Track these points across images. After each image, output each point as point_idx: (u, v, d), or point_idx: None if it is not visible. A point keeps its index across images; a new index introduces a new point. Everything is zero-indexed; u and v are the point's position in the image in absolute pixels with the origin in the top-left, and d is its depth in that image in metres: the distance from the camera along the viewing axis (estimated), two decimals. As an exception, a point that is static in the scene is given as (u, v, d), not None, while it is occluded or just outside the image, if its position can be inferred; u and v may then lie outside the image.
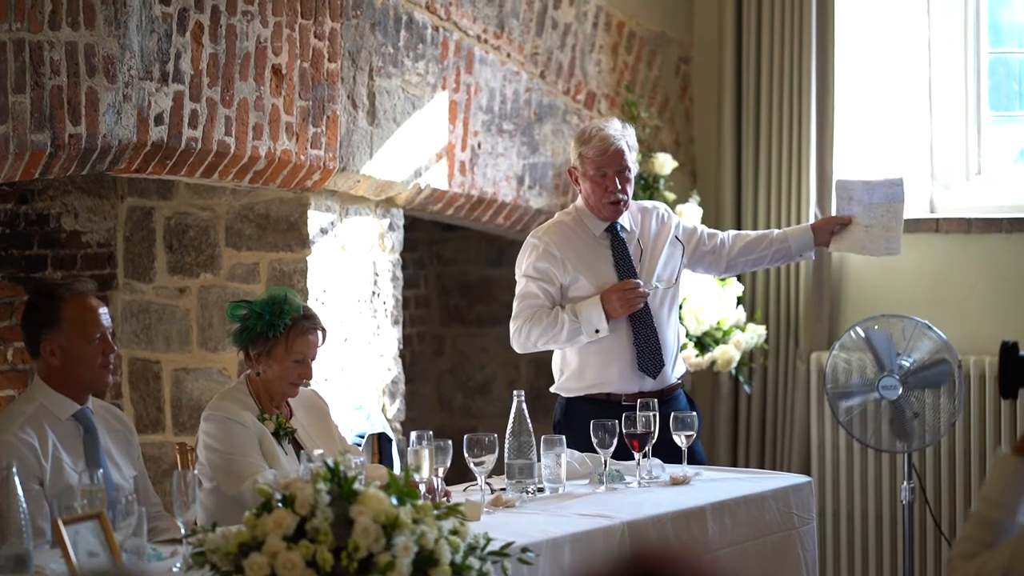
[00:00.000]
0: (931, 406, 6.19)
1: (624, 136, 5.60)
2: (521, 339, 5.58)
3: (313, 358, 4.96)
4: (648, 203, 5.87)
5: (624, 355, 5.57)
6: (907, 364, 6.14)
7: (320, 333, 4.97)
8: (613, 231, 5.63)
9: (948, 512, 6.95)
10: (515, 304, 5.61)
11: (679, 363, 5.71)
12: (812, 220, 7.18)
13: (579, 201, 5.69)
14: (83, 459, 4.61)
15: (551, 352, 5.72)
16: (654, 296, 5.61)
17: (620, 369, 5.57)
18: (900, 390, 6.12)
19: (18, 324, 5.88)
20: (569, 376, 5.65)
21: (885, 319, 6.25)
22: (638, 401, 5.13)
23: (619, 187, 5.55)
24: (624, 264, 5.60)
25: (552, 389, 5.73)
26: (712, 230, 5.87)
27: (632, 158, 5.61)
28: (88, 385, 4.71)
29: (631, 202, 5.66)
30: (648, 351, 5.57)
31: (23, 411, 4.62)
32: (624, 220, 5.65)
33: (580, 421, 5.34)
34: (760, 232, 5.91)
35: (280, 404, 4.96)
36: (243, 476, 4.68)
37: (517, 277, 5.65)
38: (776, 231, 5.89)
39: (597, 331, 5.50)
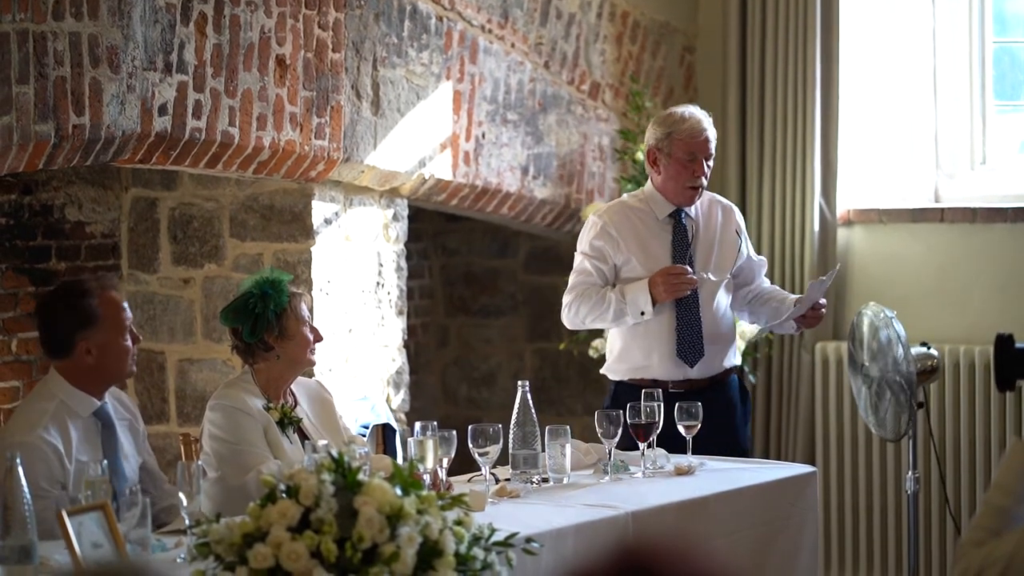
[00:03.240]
0: (892, 400, 6.18)
1: (711, 124, 5.64)
2: (571, 314, 5.62)
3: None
4: (716, 195, 5.86)
5: (664, 341, 5.58)
6: (870, 357, 6.14)
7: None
8: (677, 217, 5.64)
9: (954, 500, 6.94)
10: (570, 278, 5.65)
11: (730, 353, 5.68)
12: (817, 209, 7.19)
13: (648, 185, 5.68)
14: (101, 454, 4.58)
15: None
16: (706, 285, 5.60)
17: (660, 355, 5.58)
18: (866, 381, 6.14)
19: (22, 315, 5.89)
20: (615, 358, 5.68)
21: (868, 309, 6.24)
22: (643, 392, 5.11)
23: (704, 172, 5.57)
24: (680, 250, 5.60)
25: (602, 371, 5.78)
26: (758, 260, 5.83)
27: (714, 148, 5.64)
28: (116, 378, 4.72)
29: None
30: (688, 339, 5.56)
31: (45, 409, 4.56)
32: (691, 208, 5.65)
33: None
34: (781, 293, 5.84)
35: (285, 393, 4.96)
36: (248, 466, 4.68)
37: (576, 253, 5.67)
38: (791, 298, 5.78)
39: (643, 313, 5.51)
